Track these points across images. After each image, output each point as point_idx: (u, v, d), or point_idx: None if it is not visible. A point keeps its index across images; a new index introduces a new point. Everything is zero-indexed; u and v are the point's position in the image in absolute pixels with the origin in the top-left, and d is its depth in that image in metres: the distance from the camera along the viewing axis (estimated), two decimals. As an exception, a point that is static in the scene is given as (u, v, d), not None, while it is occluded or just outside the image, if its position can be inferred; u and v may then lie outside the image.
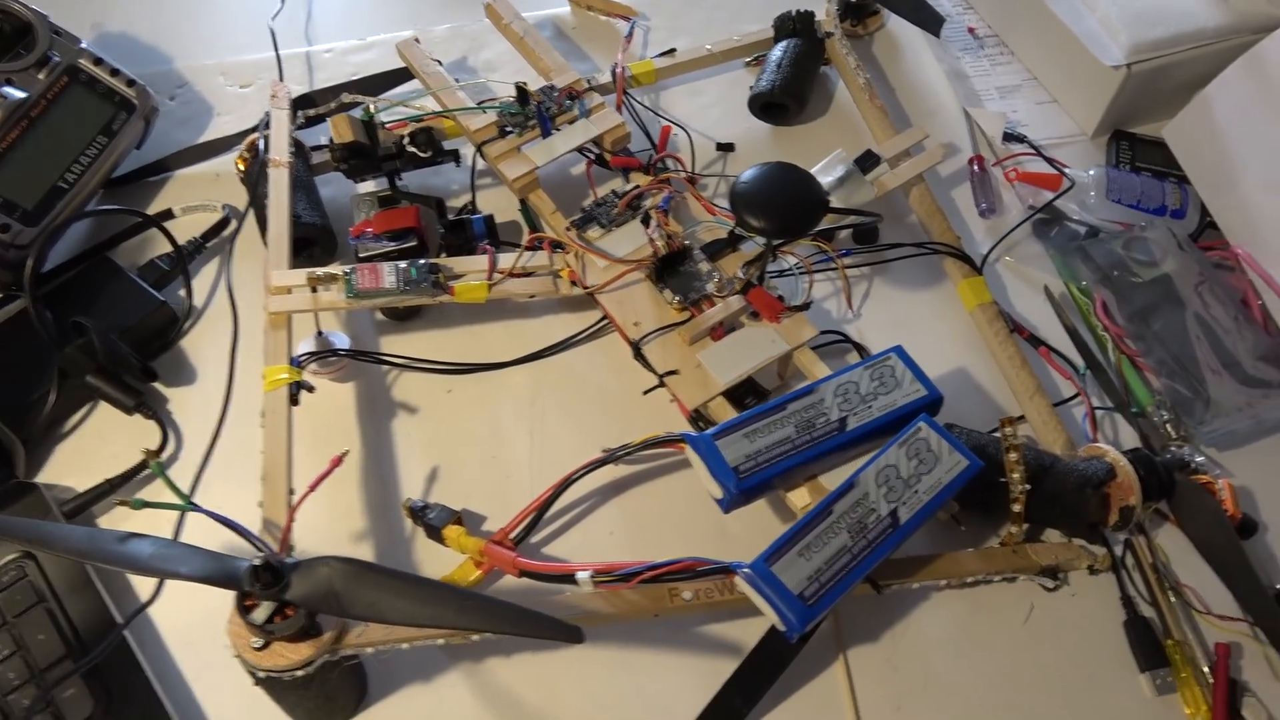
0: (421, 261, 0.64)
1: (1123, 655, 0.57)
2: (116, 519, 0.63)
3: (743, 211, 0.55)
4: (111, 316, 0.68)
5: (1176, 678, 0.56)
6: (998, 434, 0.59)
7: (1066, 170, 0.75)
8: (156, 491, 0.63)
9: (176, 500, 0.50)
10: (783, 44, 0.81)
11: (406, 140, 0.69)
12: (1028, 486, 0.57)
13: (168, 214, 0.76)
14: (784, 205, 0.55)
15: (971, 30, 0.89)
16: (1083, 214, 0.75)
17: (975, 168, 0.78)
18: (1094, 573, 0.60)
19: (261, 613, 0.46)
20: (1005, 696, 0.57)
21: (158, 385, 0.68)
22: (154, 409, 0.66)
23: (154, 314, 0.69)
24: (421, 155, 0.69)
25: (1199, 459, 0.63)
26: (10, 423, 0.63)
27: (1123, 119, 0.80)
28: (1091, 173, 0.75)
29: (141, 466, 0.64)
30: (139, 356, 0.67)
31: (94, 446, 0.66)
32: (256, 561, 0.45)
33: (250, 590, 0.45)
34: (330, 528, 0.61)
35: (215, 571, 0.45)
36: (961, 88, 0.84)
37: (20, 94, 0.70)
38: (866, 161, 0.70)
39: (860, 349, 0.69)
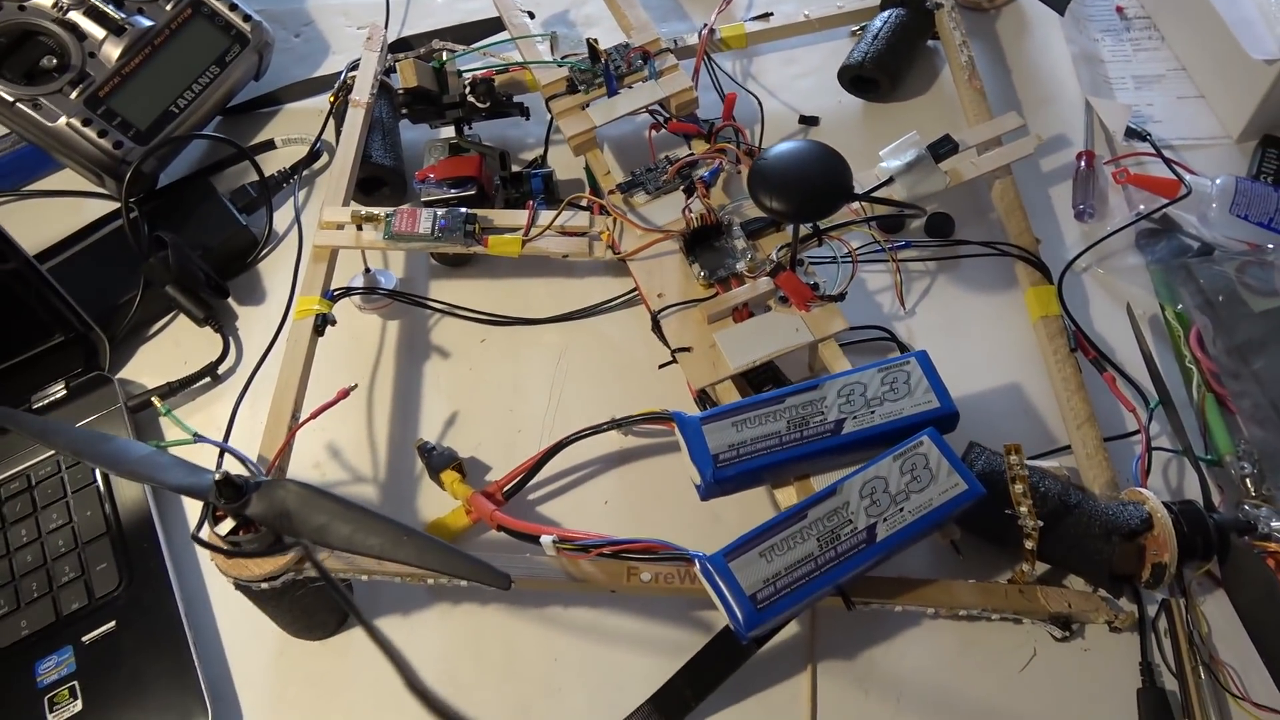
0: (460, 210, 0.65)
1: (1128, 726, 0.52)
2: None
3: (757, 189, 0.52)
4: (199, 234, 0.74)
5: (1186, 763, 0.50)
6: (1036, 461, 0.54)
7: (1186, 176, 0.66)
8: (211, 400, 0.69)
9: (186, 432, 0.53)
10: (886, 13, 0.75)
11: (466, 90, 0.69)
12: (1040, 523, 0.51)
13: (269, 144, 0.82)
14: (800, 189, 0.52)
15: (1120, 9, 0.79)
16: (1200, 228, 0.65)
17: (1082, 164, 0.70)
18: (1114, 630, 0.54)
19: (224, 526, 0.49)
20: (979, 744, 0.52)
21: (230, 302, 0.74)
22: (221, 323, 0.71)
23: (235, 236, 0.75)
24: (479, 106, 0.69)
25: (1276, 524, 0.55)
26: (100, 321, 0.70)
27: (1276, 123, 0.69)
28: (1218, 181, 0.65)
29: (199, 375, 0.69)
30: (214, 274, 0.72)
31: (170, 351, 0.72)
32: (218, 477, 0.47)
33: (215, 503, 0.49)
34: (344, 455, 0.65)
35: (189, 483, 0.49)
36: (1089, 73, 0.75)
37: (147, 23, 0.76)
38: (942, 147, 0.64)
39: (904, 348, 0.64)
